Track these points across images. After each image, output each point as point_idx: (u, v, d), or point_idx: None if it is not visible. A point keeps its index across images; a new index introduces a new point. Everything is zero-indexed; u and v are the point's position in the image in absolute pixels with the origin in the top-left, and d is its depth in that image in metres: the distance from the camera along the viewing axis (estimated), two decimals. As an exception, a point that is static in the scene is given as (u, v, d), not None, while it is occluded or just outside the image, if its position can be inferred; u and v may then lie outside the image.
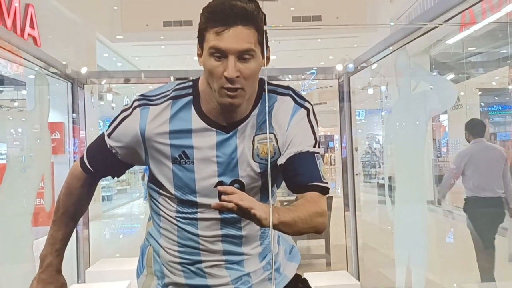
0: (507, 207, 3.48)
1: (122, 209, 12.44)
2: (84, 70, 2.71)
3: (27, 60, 2.11)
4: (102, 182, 12.31)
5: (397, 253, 2.34)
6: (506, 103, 8.53)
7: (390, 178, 3.28)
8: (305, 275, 1.33)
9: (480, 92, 8.69)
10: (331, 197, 6.39)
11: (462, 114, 9.77)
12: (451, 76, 11.64)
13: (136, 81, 3.06)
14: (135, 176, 16.74)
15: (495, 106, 9.30)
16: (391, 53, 2.30)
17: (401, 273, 2.22)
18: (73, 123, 2.90)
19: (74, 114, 2.93)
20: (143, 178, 14.49)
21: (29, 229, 2.12)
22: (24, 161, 2.24)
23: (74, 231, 1.31)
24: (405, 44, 2.24)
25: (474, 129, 3.54)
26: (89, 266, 2.70)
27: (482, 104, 9.00)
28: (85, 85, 2.81)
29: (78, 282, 2.56)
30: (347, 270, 2.94)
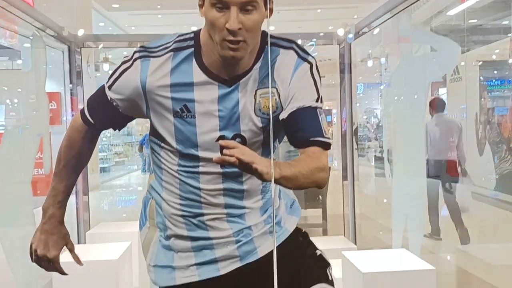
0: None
1: (120, 180, 12.52)
2: (81, 33, 2.66)
3: (22, 19, 2.05)
4: (100, 154, 12.34)
5: (394, 218, 2.38)
6: (505, 77, 8.48)
7: (388, 151, 3.44)
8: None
9: (480, 63, 8.62)
10: (329, 167, 6.43)
11: (461, 87, 9.74)
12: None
13: (133, 45, 3.00)
14: (132, 149, 16.78)
15: (494, 80, 9.25)
16: (393, 16, 2.26)
17: (397, 237, 2.27)
18: (71, 94, 2.87)
19: (71, 85, 2.89)
20: (140, 150, 14.53)
21: (28, 194, 2.13)
22: (22, 124, 2.23)
23: (74, 198, 1.32)
24: (407, 7, 2.20)
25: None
26: (89, 229, 2.74)
27: (481, 78, 8.96)
28: (82, 49, 2.76)
29: (78, 243, 2.60)
30: (344, 236, 2.99)
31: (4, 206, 2.02)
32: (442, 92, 12.21)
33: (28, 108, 2.21)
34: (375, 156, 11.91)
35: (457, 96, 10.12)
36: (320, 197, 5.79)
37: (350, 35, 2.90)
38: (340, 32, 2.84)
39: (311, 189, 4.19)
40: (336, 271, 2.00)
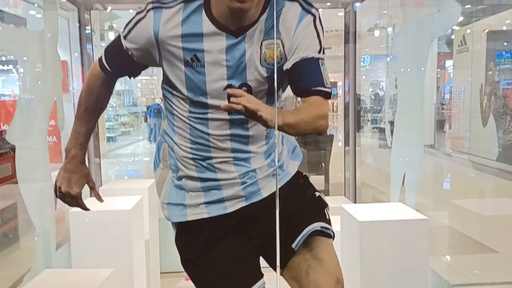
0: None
1: (126, 150, 12.70)
2: (90, -6, 2.71)
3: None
4: (106, 123, 12.49)
5: (392, 175, 2.48)
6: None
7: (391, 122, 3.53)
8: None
9: (487, 30, 8.47)
10: (332, 135, 6.53)
11: (467, 58, 9.65)
12: (460, 18, 11.33)
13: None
14: (138, 119, 16.92)
15: (504, 52, 9.08)
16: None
17: (395, 193, 2.37)
18: (81, 61, 2.93)
19: (76, 54, 2.94)
20: (146, 120, 14.68)
21: (45, 154, 2.24)
22: (37, 86, 2.31)
23: (86, 159, 1.40)
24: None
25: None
26: (101, 185, 2.86)
27: (489, 49, 8.85)
28: (91, 11, 2.81)
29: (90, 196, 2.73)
30: (345, 196, 3.11)
31: (24, 165, 2.13)
32: (449, 64, 12.09)
33: (42, 70, 2.28)
34: (378, 127, 11.96)
35: (463, 68, 10.04)
36: (323, 164, 5.91)
37: (357, 3, 2.90)
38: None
39: (315, 158, 4.32)
40: (335, 226, 2.12)
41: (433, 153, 10.38)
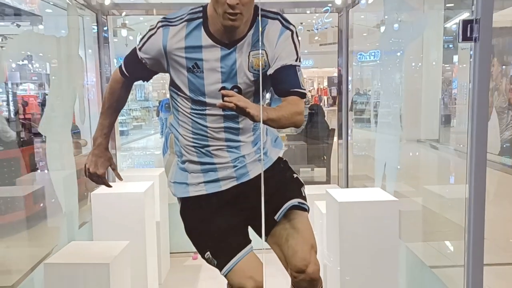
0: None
1: (138, 143, 13.09)
2: (107, 2, 3.02)
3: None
4: (119, 118, 12.89)
5: (376, 166, 2.76)
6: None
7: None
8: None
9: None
10: (333, 129, 6.78)
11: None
12: (466, 14, 11.41)
13: (150, 13, 3.33)
14: (149, 114, 17.31)
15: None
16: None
17: (378, 182, 2.65)
18: (99, 59, 3.22)
19: (90, 50, 3.23)
20: (157, 115, 15.03)
21: (70, 144, 2.57)
22: (61, 85, 2.63)
23: None
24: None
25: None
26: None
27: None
28: (107, 16, 3.12)
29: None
30: (338, 185, 3.39)
31: (53, 155, 2.45)
32: (455, 60, 12.18)
33: (67, 71, 2.60)
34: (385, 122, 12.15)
35: (468, 63, 10.15)
36: (325, 157, 6.18)
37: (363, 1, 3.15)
38: (338, 1, 3.13)
39: (317, 152, 4.67)
40: (323, 208, 2.41)
41: (438, 147, 10.58)
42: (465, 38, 1.50)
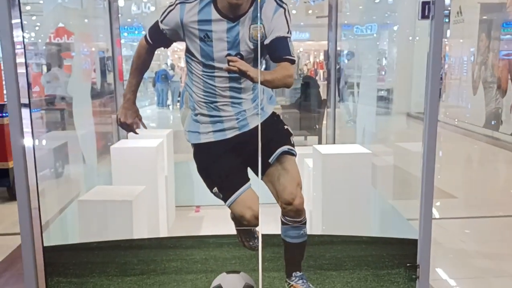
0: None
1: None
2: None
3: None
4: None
5: (357, 130, 3.17)
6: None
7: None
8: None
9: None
10: (325, 99, 7.15)
11: (463, 29, 10.06)
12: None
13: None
14: (144, 84, 17.44)
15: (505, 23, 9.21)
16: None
17: (360, 138, 3.07)
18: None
19: (86, 20, 3.49)
20: (153, 85, 15.23)
21: (89, 106, 2.93)
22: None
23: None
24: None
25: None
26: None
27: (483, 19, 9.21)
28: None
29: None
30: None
31: (79, 114, 2.82)
32: (448, 35, 12.42)
33: (86, 39, 2.94)
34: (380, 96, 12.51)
35: (458, 38, 10.47)
36: (317, 126, 6.58)
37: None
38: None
39: (310, 121, 5.20)
40: (311, 164, 2.82)
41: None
42: (423, 16, 1.87)
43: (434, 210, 4.32)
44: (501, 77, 8.43)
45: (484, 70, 9.11)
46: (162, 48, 1.95)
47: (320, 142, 6.34)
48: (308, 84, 6.67)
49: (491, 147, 7.86)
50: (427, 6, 1.85)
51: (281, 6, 1.87)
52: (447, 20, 11.98)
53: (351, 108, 4.60)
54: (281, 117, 2.07)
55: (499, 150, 7.61)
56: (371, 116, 3.04)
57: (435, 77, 1.92)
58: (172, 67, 11.86)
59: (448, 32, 11.44)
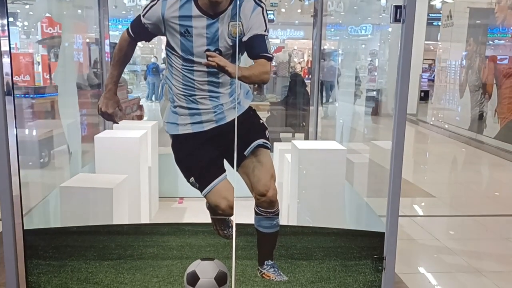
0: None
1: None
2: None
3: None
4: (108, 80, 13.11)
5: (336, 129, 3.27)
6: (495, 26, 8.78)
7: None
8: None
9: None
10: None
11: (453, 33, 10.21)
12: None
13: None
14: (137, 78, 17.45)
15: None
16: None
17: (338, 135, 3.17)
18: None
19: (79, 10, 3.54)
20: (145, 78, 15.24)
21: (75, 96, 2.99)
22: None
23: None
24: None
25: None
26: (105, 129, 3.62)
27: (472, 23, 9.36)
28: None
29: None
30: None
31: (64, 104, 2.88)
32: (439, 38, 12.57)
33: (72, 30, 2.99)
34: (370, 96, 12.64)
35: (448, 42, 10.63)
36: (304, 123, 6.69)
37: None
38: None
39: (297, 119, 5.35)
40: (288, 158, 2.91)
41: (414, 121, 11.17)
42: (395, 20, 1.96)
43: (414, 208, 4.44)
44: (486, 81, 8.59)
45: (471, 74, 9.27)
46: (155, 42, 2.02)
47: (306, 139, 6.46)
48: (295, 82, 6.77)
49: (474, 149, 8.03)
50: (398, 10, 1.95)
51: (259, 5, 1.95)
52: (439, 23, 12.17)
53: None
54: (256, 111, 2.16)
55: (481, 153, 7.78)
56: (349, 112, 3.14)
57: (404, 79, 2.02)
58: (164, 60, 11.85)
59: (439, 35, 11.62)
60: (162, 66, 11.49)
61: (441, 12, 11.51)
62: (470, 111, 9.10)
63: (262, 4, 1.96)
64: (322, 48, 3.96)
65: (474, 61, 9.17)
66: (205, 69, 1.97)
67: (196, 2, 1.91)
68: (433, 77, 13.80)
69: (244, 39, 1.94)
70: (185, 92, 2.03)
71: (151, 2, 1.94)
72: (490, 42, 8.70)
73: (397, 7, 1.95)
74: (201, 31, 1.93)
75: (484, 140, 8.19)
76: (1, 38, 1.87)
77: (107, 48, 3.30)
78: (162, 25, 1.95)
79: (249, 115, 2.13)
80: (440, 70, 11.35)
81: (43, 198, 2.75)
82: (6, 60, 1.86)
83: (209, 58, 1.81)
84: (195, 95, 2.02)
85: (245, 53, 2.04)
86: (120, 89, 2.14)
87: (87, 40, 3.92)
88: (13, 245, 2.03)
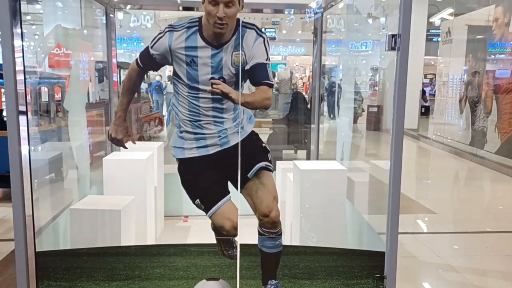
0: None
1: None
2: (115, -2, 3.52)
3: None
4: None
5: (337, 147, 3.36)
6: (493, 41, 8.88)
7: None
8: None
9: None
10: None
11: (452, 49, 10.37)
12: (449, 10, 11.96)
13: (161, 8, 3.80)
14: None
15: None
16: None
17: (338, 156, 3.25)
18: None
19: (85, 31, 3.68)
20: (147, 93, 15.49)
21: (84, 119, 3.10)
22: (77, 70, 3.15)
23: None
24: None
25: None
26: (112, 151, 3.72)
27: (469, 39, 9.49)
28: (115, 10, 3.61)
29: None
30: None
31: (73, 127, 2.98)
32: (438, 54, 12.73)
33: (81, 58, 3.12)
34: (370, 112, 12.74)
35: (447, 57, 10.77)
36: (305, 140, 6.78)
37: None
38: (313, 5, 3.67)
39: (300, 136, 5.50)
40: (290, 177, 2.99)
41: (415, 136, 11.25)
42: (390, 48, 2.06)
43: (416, 224, 4.48)
44: (486, 96, 8.69)
45: (470, 89, 9.37)
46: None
47: (308, 156, 6.55)
48: (297, 98, 6.89)
49: (475, 165, 8.07)
50: (393, 39, 2.05)
51: (261, 36, 2.06)
52: (438, 39, 12.34)
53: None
54: (259, 135, 2.25)
55: (482, 168, 7.82)
56: (349, 130, 3.22)
57: (400, 102, 2.11)
58: (170, 78, 12.14)
59: (438, 51, 11.78)
60: (164, 84, 11.70)
61: (440, 28, 11.69)
62: (471, 127, 9.18)
63: (264, 35, 2.07)
64: (322, 64, 4.08)
65: (473, 78, 9.28)
66: (210, 96, 2.07)
67: (201, 34, 2.02)
68: (434, 91, 13.94)
69: (247, 67, 2.04)
70: (191, 118, 2.12)
71: (158, 34, 2.05)
72: (492, 57, 8.77)
73: (392, 36, 2.05)
74: (206, 60, 2.03)
75: (485, 155, 8.24)
76: (16, 58, 1.93)
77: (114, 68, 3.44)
78: (169, 56, 2.05)
79: (252, 139, 2.21)
80: (442, 84, 11.46)
81: (53, 219, 2.83)
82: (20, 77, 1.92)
83: (213, 86, 1.92)
84: (200, 120, 2.12)
85: (248, 81, 2.15)
86: (144, 105, 2.26)
87: (92, 58, 4.05)
88: (25, 267, 2.10)
